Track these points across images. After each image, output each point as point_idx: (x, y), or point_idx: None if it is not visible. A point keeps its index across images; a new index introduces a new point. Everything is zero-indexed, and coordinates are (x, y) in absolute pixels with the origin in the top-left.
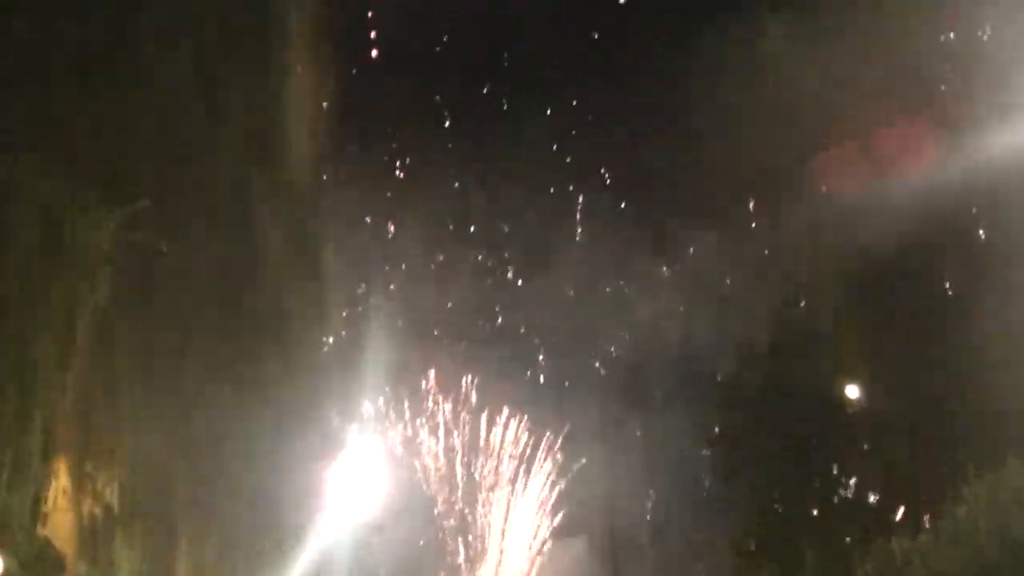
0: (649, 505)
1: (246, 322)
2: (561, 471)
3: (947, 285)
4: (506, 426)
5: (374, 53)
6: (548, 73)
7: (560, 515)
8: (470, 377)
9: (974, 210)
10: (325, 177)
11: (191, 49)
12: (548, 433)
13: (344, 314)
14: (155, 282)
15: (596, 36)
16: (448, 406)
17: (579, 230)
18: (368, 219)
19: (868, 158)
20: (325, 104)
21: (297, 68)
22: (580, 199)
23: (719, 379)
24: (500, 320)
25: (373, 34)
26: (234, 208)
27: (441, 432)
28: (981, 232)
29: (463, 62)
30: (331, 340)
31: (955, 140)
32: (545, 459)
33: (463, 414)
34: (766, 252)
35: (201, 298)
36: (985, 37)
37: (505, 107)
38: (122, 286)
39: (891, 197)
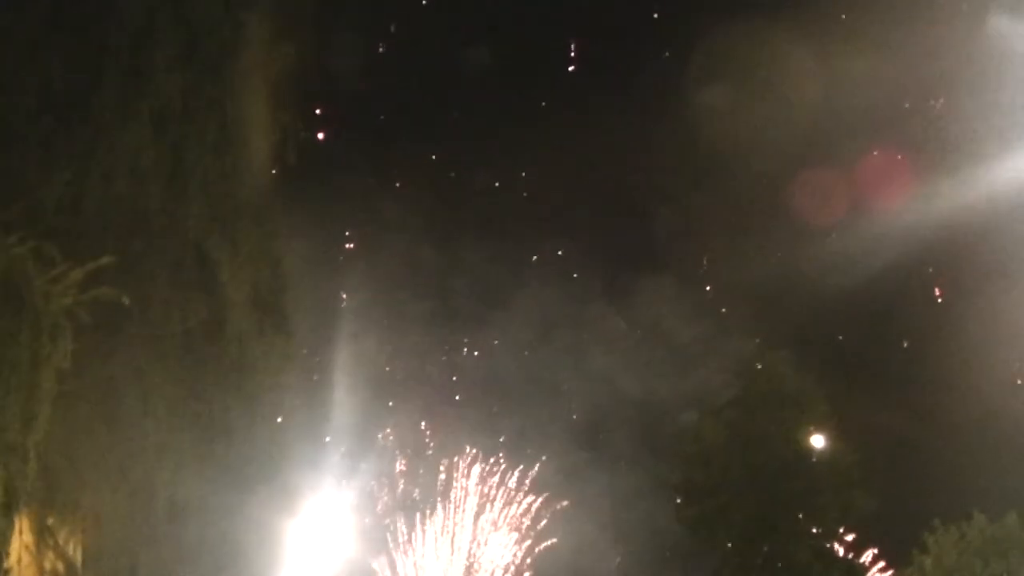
0: (617, 560)
1: (209, 377)
2: (526, 520)
3: (906, 344)
4: (467, 476)
5: (334, 117)
6: (500, 133)
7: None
8: (430, 432)
9: (930, 270)
10: (284, 237)
11: (153, 107)
12: (509, 484)
13: (306, 369)
14: (118, 337)
15: (545, 104)
16: (407, 462)
17: (539, 286)
18: (329, 274)
19: (828, 211)
20: (285, 163)
21: (259, 128)
22: (537, 258)
23: (684, 430)
24: (459, 378)
25: (333, 99)
26: (197, 263)
27: (401, 489)
28: (937, 290)
29: (417, 126)
30: (294, 394)
31: (918, 190)
32: (506, 509)
33: (421, 469)
34: (729, 307)
35: (164, 353)
36: (938, 105)
37: (454, 175)
38: (85, 341)
39: (852, 251)
